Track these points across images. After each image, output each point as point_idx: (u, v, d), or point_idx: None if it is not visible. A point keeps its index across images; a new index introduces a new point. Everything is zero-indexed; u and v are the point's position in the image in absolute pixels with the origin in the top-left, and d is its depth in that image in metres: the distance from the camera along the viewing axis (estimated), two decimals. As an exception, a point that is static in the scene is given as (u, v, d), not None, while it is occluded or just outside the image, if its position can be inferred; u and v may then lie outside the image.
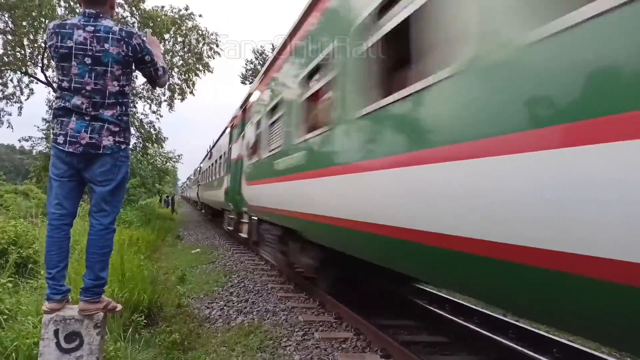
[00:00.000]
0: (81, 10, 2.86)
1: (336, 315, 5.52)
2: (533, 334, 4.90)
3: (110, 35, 2.76)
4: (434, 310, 5.80)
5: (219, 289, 6.95)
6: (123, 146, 2.88)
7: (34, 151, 22.20)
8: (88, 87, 2.74)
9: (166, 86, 20.20)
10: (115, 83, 2.80)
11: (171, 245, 12.70)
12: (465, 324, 5.22)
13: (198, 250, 11.71)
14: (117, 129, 2.83)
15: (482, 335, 4.82)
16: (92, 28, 2.75)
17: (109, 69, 2.77)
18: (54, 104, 2.90)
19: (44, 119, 20.69)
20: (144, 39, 2.92)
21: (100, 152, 2.78)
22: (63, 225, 2.85)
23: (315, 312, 5.77)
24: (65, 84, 2.76)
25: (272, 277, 8.12)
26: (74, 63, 2.73)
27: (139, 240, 9.43)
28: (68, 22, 2.80)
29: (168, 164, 31.91)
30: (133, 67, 2.95)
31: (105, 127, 2.79)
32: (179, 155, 33.68)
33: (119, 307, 3.15)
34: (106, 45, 2.75)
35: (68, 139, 2.74)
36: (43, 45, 18.99)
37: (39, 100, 21.98)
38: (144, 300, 4.83)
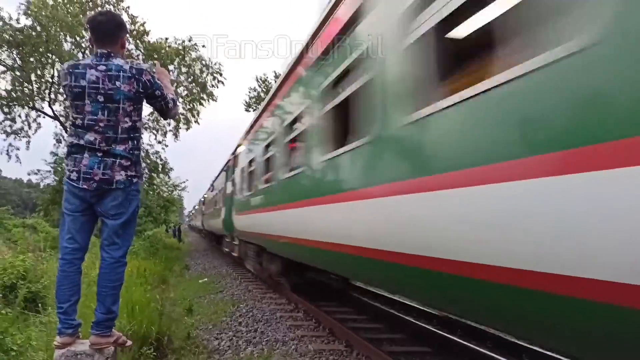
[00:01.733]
0: (94, 50, 2.97)
1: (346, 343, 5.46)
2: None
3: (121, 74, 2.85)
4: (447, 336, 5.72)
5: (228, 319, 6.90)
6: (135, 180, 2.94)
7: (42, 184, 22.36)
8: (101, 124, 2.82)
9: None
10: (127, 119, 2.88)
11: (179, 275, 12.64)
12: (481, 349, 5.14)
13: (205, 279, 11.65)
14: (128, 163, 2.89)
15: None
16: (104, 67, 2.85)
17: (121, 105, 2.85)
18: (67, 141, 2.97)
19: (51, 153, 20.93)
20: (154, 74, 3.01)
21: (114, 187, 2.83)
22: (75, 259, 2.89)
23: (325, 340, 5.71)
24: (79, 122, 2.84)
25: (280, 306, 8.05)
26: (87, 101, 2.81)
27: (146, 271, 9.41)
28: (81, 62, 2.91)
29: (174, 193, 32.04)
30: (144, 102, 3.03)
31: (117, 162, 2.85)
32: (184, 182, 33.87)
33: (129, 342, 3.15)
34: (117, 83, 2.83)
35: (82, 175, 2.80)
36: (50, 80, 19.37)
37: (46, 134, 22.32)
38: (152, 332, 4.80)
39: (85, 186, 2.81)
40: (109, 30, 2.97)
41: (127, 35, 3.34)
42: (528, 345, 4.96)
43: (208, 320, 6.82)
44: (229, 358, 4.99)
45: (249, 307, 7.87)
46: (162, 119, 20.30)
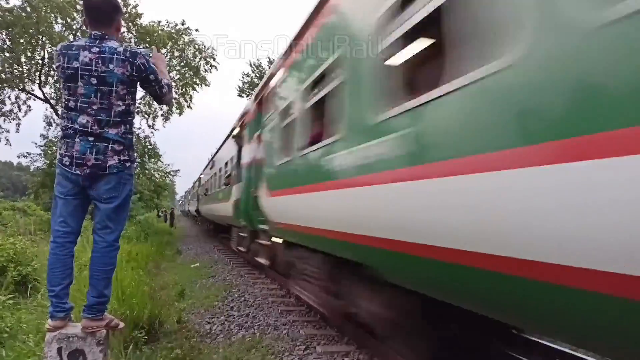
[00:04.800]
0: (89, 32, 2.93)
1: (338, 329, 5.51)
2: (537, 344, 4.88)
3: (115, 56, 2.81)
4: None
5: (219, 304, 6.93)
6: (128, 164, 2.92)
7: (32, 167, 22.15)
8: (94, 107, 2.79)
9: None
10: (120, 102, 2.85)
11: (170, 260, 12.66)
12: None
13: (197, 264, 11.68)
14: (120, 147, 2.87)
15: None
16: (98, 49, 2.81)
17: (114, 88, 2.82)
18: (60, 124, 2.94)
19: (42, 135, 20.69)
20: (148, 57, 2.97)
21: (107, 172, 2.82)
22: (67, 242, 2.88)
23: (317, 326, 5.75)
24: (71, 104, 2.81)
25: (272, 291, 8.10)
26: (80, 83, 2.78)
27: (138, 256, 9.41)
28: (75, 43, 2.87)
29: (166, 178, 31.87)
30: (138, 86, 3.00)
31: (110, 147, 2.83)
32: (175, 171, 33.71)
33: (121, 324, 3.16)
34: (111, 66, 2.80)
35: (74, 161, 2.78)
36: (40, 62, 19.09)
37: (36, 117, 22.09)
38: (144, 316, 4.81)
39: (78, 171, 2.79)
40: (104, 12, 2.92)
41: (122, 17, 3.28)
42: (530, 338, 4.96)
43: (200, 304, 6.85)
44: (220, 342, 5.02)
45: (240, 292, 7.91)
46: (155, 103, 20.14)
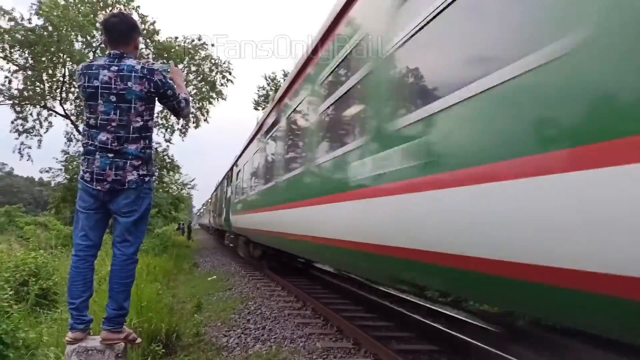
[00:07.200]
0: (108, 51, 3.02)
1: (354, 341, 5.47)
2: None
3: (133, 74, 2.89)
4: (453, 334, 5.71)
5: (236, 317, 6.94)
6: (147, 178, 2.98)
7: (53, 182, 22.58)
8: (113, 124, 2.87)
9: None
10: (138, 118, 2.92)
11: (188, 273, 12.74)
12: (488, 347, 5.12)
13: (214, 277, 11.73)
14: (139, 162, 2.93)
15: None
16: (116, 68, 2.89)
17: (133, 105, 2.89)
18: (82, 141, 3.03)
19: (63, 151, 21.11)
20: (165, 74, 3.04)
21: (126, 187, 2.88)
22: (88, 256, 2.94)
23: (333, 338, 5.72)
24: (92, 122, 2.89)
25: (288, 304, 8.08)
26: (100, 101, 2.86)
27: (156, 269, 9.48)
28: (95, 63, 2.96)
29: (183, 191, 32.21)
30: (156, 102, 3.07)
31: (129, 162, 2.89)
32: (192, 180, 34.03)
33: (139, 340, 3.20)
34: (129, 83, 2.87)
35: (95, 177, 2.85)
36: (61, 79, 19.56)
37: (57, 133, 22.53)
38: (161, 329, 4.84)
39: (98, 187, 2.86)
40: (123, 32, 3.01)
41: (140, 36, 3.37)
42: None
43: (217, 317, 6.87)
44: (237, 355, 5.03)
45: (257, 304, 7.91)
46: (173, 117, 20.43)
